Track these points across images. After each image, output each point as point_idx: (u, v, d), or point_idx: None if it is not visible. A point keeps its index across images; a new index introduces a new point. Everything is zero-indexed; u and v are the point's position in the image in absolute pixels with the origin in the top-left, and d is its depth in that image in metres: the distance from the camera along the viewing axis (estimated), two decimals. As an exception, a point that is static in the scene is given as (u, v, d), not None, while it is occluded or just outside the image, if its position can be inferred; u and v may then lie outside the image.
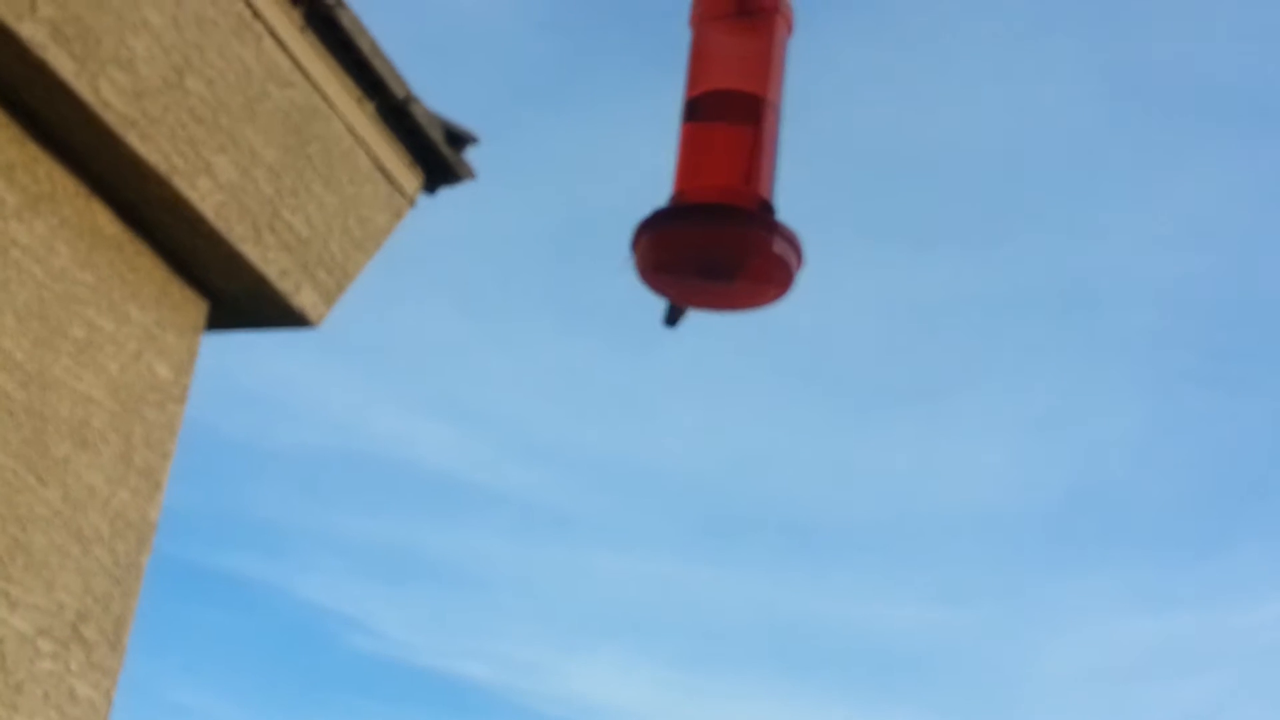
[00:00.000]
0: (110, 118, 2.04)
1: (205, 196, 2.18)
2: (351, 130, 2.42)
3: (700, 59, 1.80)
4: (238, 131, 2.23)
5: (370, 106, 2.45)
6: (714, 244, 1.69)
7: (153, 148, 2.11)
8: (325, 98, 2.37)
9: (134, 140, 2.08)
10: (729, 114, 1.71)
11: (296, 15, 2.30)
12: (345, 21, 2.34)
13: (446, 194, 2.62)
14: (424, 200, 2.59)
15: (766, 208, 1.70)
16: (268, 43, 2.27)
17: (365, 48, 2.39)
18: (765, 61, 1.73)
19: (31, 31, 1.93)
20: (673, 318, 1.80)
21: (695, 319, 1.82)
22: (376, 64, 2.41)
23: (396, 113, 2.48)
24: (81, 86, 2.00)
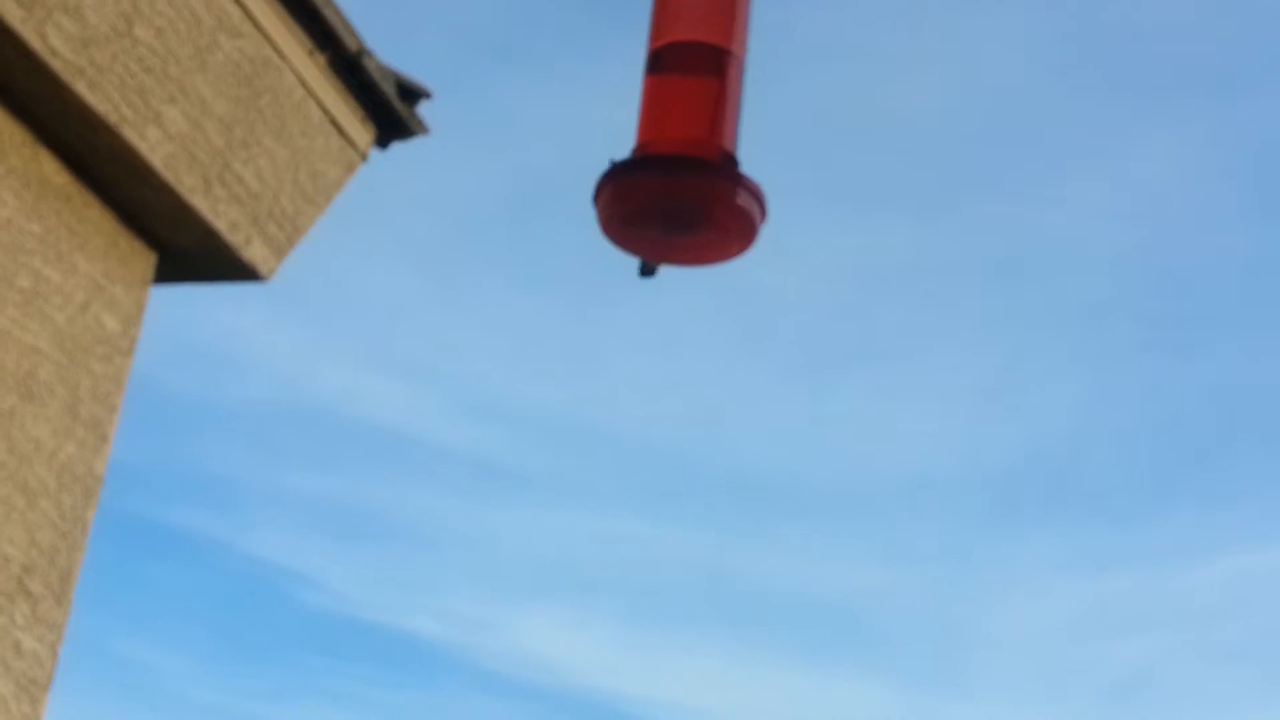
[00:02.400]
0: (57, 65, 2.01)
1: (155, 147, 2.16)
2: (303, 82, 2.40)
3: (664, 10, 1.78)
4: (188, 82, 2.20)
5: (322, 59, 2.42)
6: (677, 195, 1.68)
7: (101, 97, 2.08)
8: (276, 49, 2.35)
9: (82, 89, 2.05)
10: (693, 66, 1.70)
11: (248, -36, 2.27)
12: (298, -28, 2.31)
13: (399, 149, 2.60)
14: (376, 155, 2.57)
15: (730, 160, 1.69)
16: (219, -8, 2.24)
17: (318, -1, 2.36)
18: (729, 13, 1.71)
19: (-23, -24, 1.90)
20: (647, 269, 1.78)
21: (658, 275, 1.81)
22: (329, 15, 2.39)
23: (349, 65, 2.45)
24: (28, 33, 1.97)
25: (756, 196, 1.72)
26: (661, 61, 1.78)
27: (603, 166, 1.89)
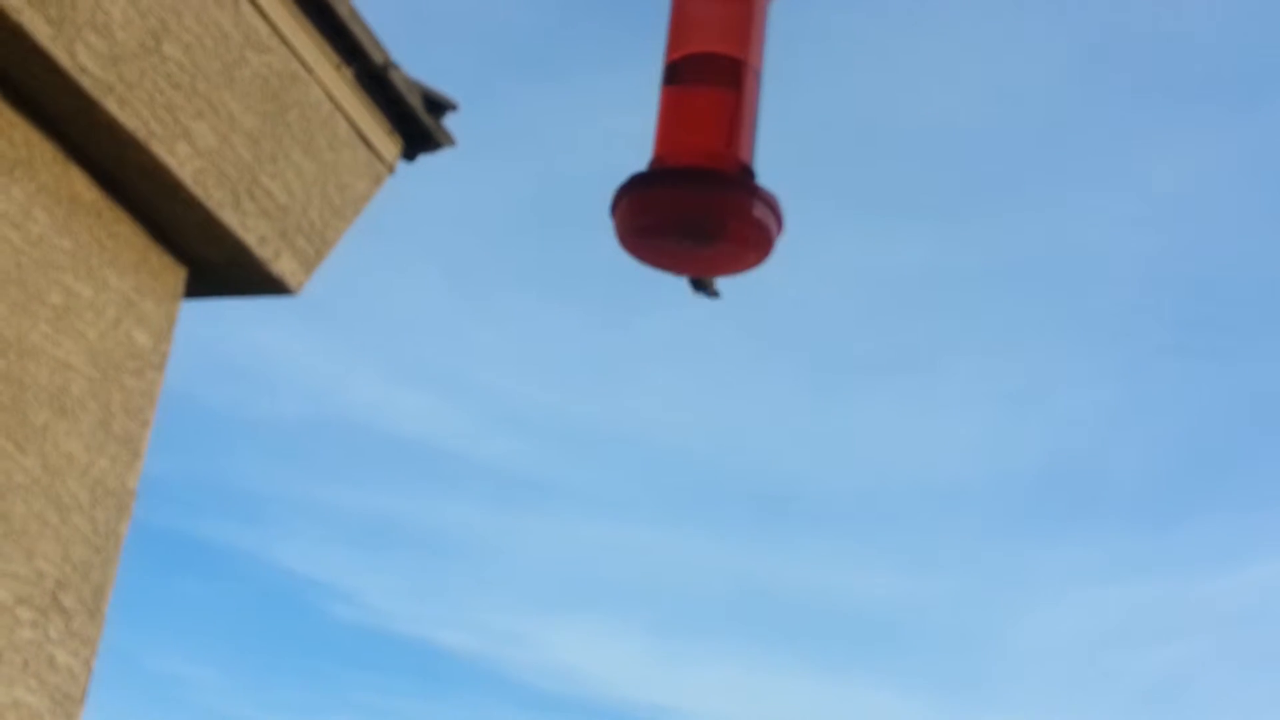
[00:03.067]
0: (87, 83, 2.03)
1: (184, 163, 2.17)
2: (330, 96, 2.40)
3: (681, 22, 1.78)
4: (216, 97, 2.21)
5: (349, 72, 2.43)
6: (694, 207, 1.68)
7: (130, 113, 2.09)
8: (304, 63, 2.36)
9: (111, 105, 2.06)
10: (710, 77, 1.70)
11: (275, -20, 2.28)
12: (324, -14, 2.32)
13: (426, 161, 2.61)
14: (403, 167, 2.58)
15: (747, 172, 1.69)
16: (245, 7, 2.25)
17: (343, 13, 2.37)
18: (746, 24, 1.71)
19: (7, -5, 1.91)
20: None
21: (676, 285, 1.81)
22: (355, 29, 2.40)
23: (375, 79, 2.46)
24: (58, 51, 1.98)
25: (773, 208, 1.72)
26: (678, 73, 1.79)
27: (624, 178, 1.89)
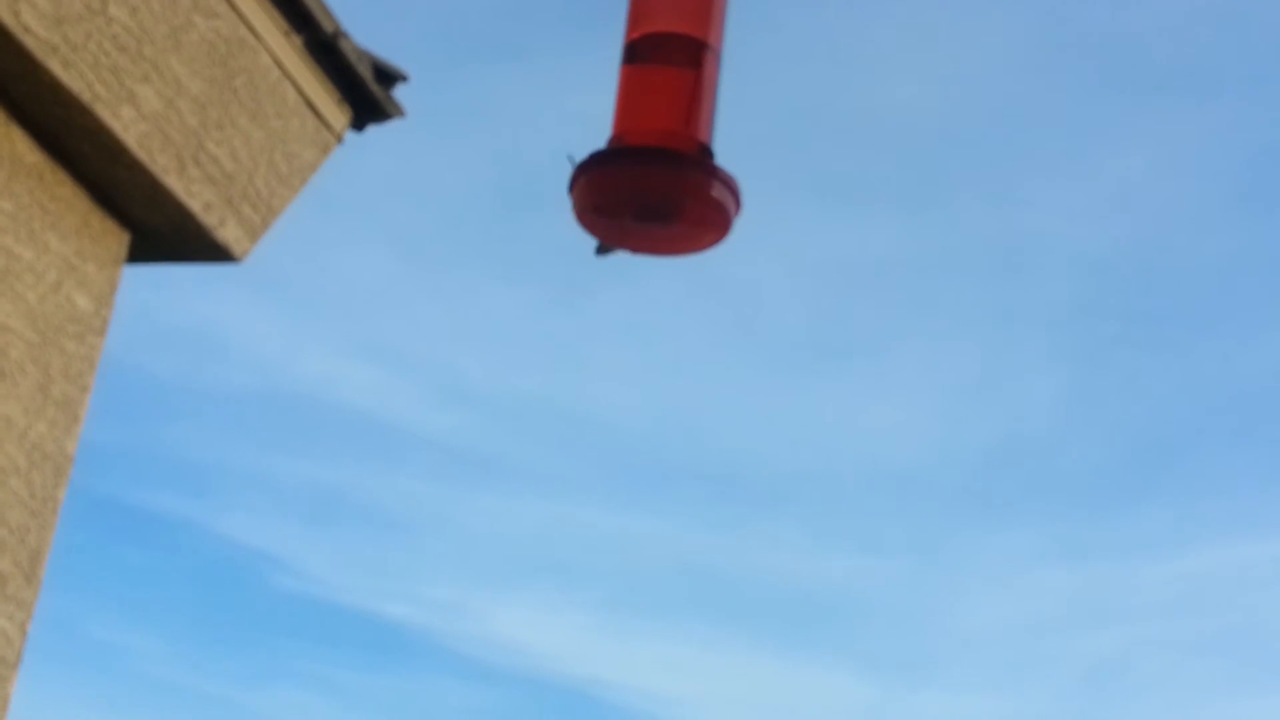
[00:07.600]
0: (30, 43, 2.01)
1: (128, 126, 2.15)
2: (279, 63, 2.39)
3: (641, 1, 1.78)
4: (162, 61, 2.20)
5: (298, 40, 2.42)
6: (652, 186, 1.68)
7: (74, 75, 2.07)
8: (252, 29, 2.34)
9: (55, 67, 2.04)
10: (669, 57, 1.70)
11: (224, -56, 2.27)
12: (274, -48, 2.31)
13: (376, 133, 2.60)
14: (353, 138, 2.56)
15: (705, 152, 1.69)
16: (194, -29, 2.24)
17: (294, -20, 2.36)
18: (706, 5, 1.71)
19: (-50, -49, 1.89)
20: (604, 248, 1.78)
21: (630, 264, 1.81)
22: (305, -3, 2.38)
23: (325, 47, 2.45)
24: (1, 10, 1.96)
25: (731, 188, 1.72)
26: (637, 52, 1.78)
27: (581, 157, 1.89)
